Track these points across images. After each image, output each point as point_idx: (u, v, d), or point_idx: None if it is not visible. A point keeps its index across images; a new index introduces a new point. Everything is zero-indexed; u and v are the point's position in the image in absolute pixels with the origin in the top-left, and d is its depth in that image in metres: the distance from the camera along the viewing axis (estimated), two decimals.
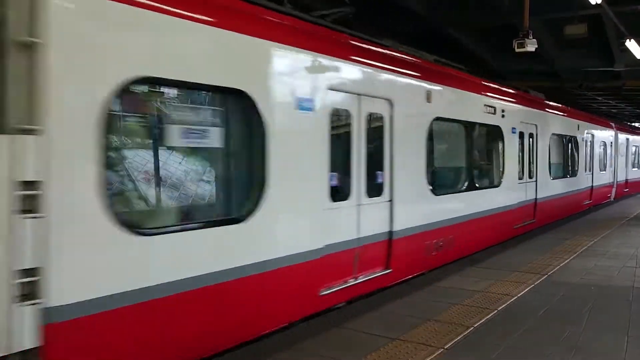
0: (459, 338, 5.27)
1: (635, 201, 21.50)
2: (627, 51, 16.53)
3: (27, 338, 3.50)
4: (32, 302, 3.50)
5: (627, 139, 24.61)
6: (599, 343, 5.16)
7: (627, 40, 14.63)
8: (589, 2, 10.82)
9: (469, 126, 9.45)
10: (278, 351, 5.03)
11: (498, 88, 10.97)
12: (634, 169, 26.21)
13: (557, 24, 15.15)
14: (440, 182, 8.87)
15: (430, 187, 8.05)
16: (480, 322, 5.77)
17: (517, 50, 10.33)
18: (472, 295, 6.85)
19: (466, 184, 9.38)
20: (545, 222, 13.38)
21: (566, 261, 8.99)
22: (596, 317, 5.98)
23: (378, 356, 4.82)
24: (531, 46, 10.18)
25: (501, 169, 10.68)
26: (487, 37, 17.39)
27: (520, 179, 11.67)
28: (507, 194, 10.85)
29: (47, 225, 3.54)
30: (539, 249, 10.12)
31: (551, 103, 14.73)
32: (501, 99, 10.73)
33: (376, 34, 8.19)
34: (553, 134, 14.07)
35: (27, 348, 3.48)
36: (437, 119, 8.25)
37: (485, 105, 9.94)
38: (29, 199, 3.49)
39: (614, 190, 21.47)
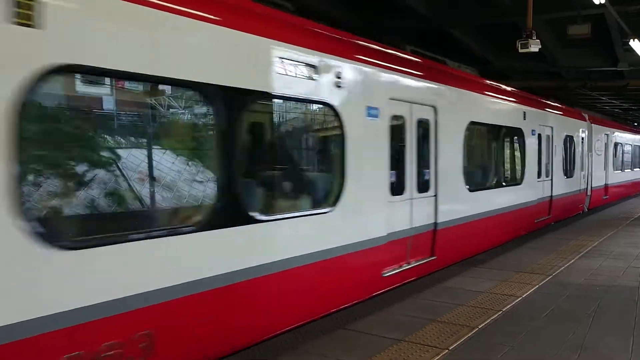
0: (463, 339, 5.25)
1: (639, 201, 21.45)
2: (631, 51, 16.49)
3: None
4: None
5: (607, 135, 20.30)
6: (605, 344, 5.14)
7: (631, 40, 14.60)
8: (593, 2, 10.79)
9: (235, 99, 4.76)
10: (282, 353, 5.02)
11: (329, 36, 6.18)
12: (616, 172, 21.37)
13: (561, 24, 15.13)
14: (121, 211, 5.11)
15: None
16: (485, 323, 5.75)
17: (520, 50, 10.31)
18: (476, 296, 6.83)
19: (225, 208, 4.69)
20: (457, 257, 8.90)
21: (571, 261, 8.96)
22: (602, 317, 5.96)
23: (382, 358, 4.81)
24: (535, 46, 10.15)
25: (338, 179, 6.06)
26: (489, 37, 17.38)
27: (396, 194, 7.06)
28: (356, 222, 6.29)
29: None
30: (544, 250, 10.08)
31: (469, 76, 10.03)
32: (336, 57, 6.00)
33: (378, 34, 8.18)
34: (473, 124, 9.34)
35: None
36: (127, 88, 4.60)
37: (292, 62, 5.35)
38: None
39: (587, 199, 17.28)
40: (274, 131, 6.36)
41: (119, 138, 5.84)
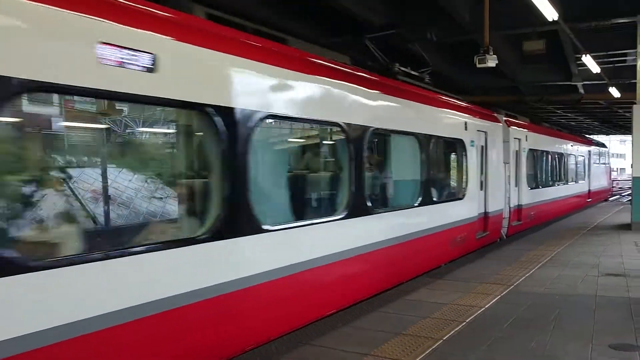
0: (428, 351, 5.28)
1: (596, 211, 22.10)
2: (584, 66, 17.12)
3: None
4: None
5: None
6: (565, 351, 5.25)
7: (583, 55, 15.17)
8: (546, 19, 11.18)
9: None
10: None
11: None
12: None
13: (518, 40, 15.63)
14: None
15: None
16: (449, 334, 5.80)
17: (478, 65, 10.58)
18: (440, 307, 6.90)
19: None
20: None
21: (531, 271, 9.15)
22: (561, 326, 6.09)
23: None
24: (492, 62, 10.44)
25: None
26: (449, 53, 17.77)
27: None
28: None
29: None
30: (505, 260, 10.27)
31: None
32: None
33: (341, 49, 8.27)
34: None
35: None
36: None
37: None
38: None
39: None
40: None
41: None
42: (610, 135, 53.20)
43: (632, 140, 14.77)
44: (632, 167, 14.99)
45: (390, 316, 6.58)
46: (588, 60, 15.56)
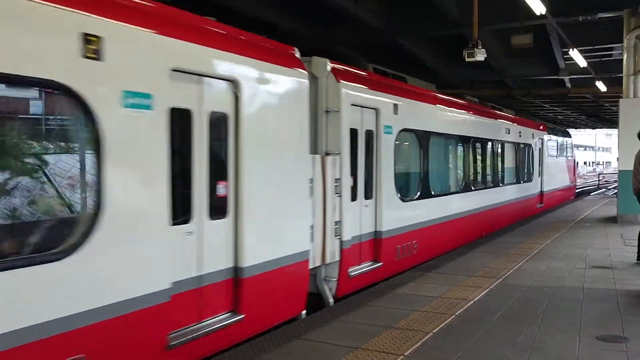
0: (418, 344, 5.30)
1: (583, 204, 22.31)
2: (571, 60, 17.24)
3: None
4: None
5: None
6: (553, 343, 5.29)
7: (570, 49, 15.27)
8: (534, 13, 11.22)
9: None
10: None
11: None
12: None
13: (506, 35, 15.71)
14: None
15: None
16: (439, 327, 5.83)
17: (467, 59, 10.61)
18: (430, 301, 6.92)
19: None
20: None
21: (520, 264, 9.22)
22: (549, 318, 6.14)
23: None
24: (480, 56, 10.48)
25: None
26: (439, 47, 17.81)
27: None
28: None
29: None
30: (494, 253, 10.34)
31: None
32: None
33: (332, 45, 8.26)
34: None
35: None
36: None
37: None
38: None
39: None
40: None
41: None
42: (597, 129, 53.75)
43: (619, 134, 14.90)
44: (618, 161, 15.13)
45: (380, 310, 6.59)
46: (575, 55, 15.66)
